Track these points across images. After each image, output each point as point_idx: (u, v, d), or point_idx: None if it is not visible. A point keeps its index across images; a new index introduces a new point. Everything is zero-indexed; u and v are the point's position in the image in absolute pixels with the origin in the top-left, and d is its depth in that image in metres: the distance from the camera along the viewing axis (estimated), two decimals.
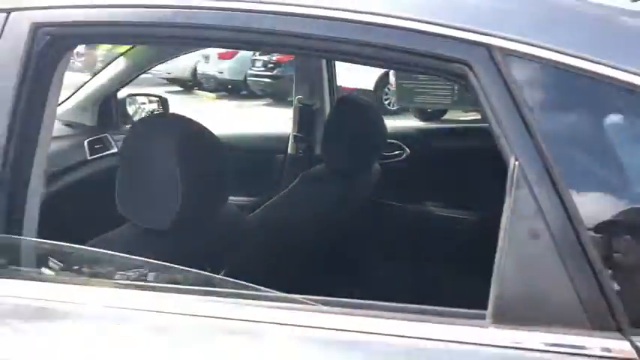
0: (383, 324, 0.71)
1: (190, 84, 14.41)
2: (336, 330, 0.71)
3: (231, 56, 12.55)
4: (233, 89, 13.52)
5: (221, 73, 13.11)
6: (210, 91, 13.80)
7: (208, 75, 13.47)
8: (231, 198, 1.28)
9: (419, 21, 0.74)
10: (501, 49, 0.70)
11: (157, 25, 0.91)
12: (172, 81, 14.21)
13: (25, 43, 0.93)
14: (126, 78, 2.33)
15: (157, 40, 1.22)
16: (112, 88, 2.32)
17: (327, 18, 0.77)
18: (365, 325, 0.71)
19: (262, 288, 0.77)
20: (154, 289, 0.83)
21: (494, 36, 0.70)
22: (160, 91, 12.09)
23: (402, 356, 0.70)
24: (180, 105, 11.02)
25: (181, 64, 13.08)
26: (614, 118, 0.70)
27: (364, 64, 0.92)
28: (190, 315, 0.77)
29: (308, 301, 0.75)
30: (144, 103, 2.44)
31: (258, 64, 12.17)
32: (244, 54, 11.54)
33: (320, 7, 0.79)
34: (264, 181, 2.24)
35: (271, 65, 11.70)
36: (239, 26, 0.84)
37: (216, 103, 12.90)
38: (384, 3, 0.78)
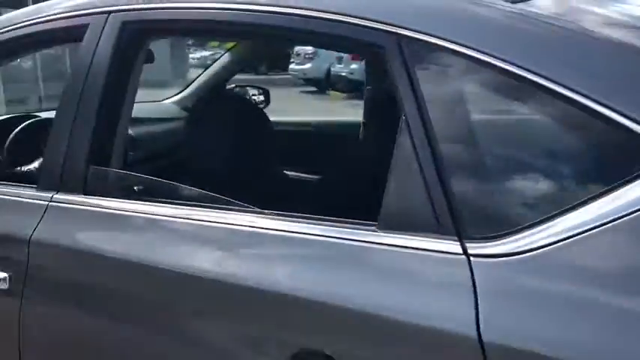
0: (306, 226, 0.98)
1: (325, 84, 15.20)
2: (274, 230, 1.02)
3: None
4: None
5: (352, 74, 13.59)
6: (342, 92, 14.40)
7: (340, 75, 14.16)
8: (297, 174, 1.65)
9: (355, 16, 1.00)
10: (405, 36, 0.95)
11: (210, 22, 1.22)
12: (308, 81, 15.28)
13: (116, 37, 1.25)
14: (233, 71, 2.69)
15: (210, 35, 1.67)
16: (221, 79, 2.66)
17: (294, 15, 1.07)
18: (289, 226, 1.01)
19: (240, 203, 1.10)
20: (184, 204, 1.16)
21: (402, 27, 0.96)
22: (296, 90, 13.10)
23: (318, 246, 0.97)
24: (312, 103, 11.67)
25: (316, 66, 14.22)
26: (472, 89, 0.94)
27: (318, 46, 1.31)
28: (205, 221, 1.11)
29: (266, 212, 1.05)
30: (254, 95, 2.78)
31: None
32: None
33: (288, 7, 1.08)
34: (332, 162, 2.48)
35: None
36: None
37: (343, 102, 13.40)
38: (337, 3, 1.05)
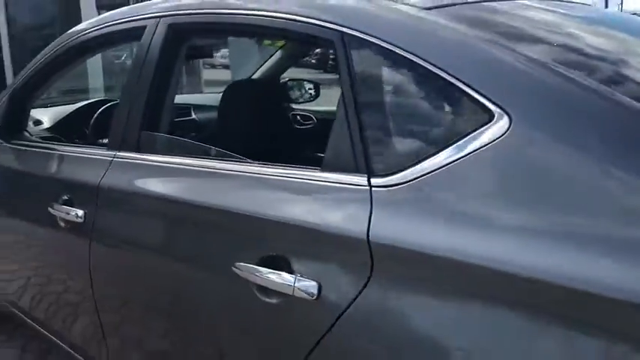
0: (270, 169, 1.36)
1: None
2: (261, 174, 1.39)
3: None
4: None
5: None
6: None
7: None
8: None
9: (313, 17, 1.36)
10: (348, 34, 1.28)
11: (226, 24, 1.67)
12: None
13: (163, 37, 1.65)
14: (283, 67, 3.09)
15: (228, 34, 2.49)
16: (275, 74, 3.05)
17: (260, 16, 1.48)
18: (274, 171, 1.36)
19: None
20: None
21: (345, 26, 1.29)
22: None
23: (276, 181, 1.34)
24: None
25: None
26: (382, 71, 1.27)
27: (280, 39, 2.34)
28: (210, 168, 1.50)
29: (255, 162, 1.42)
30: (310, 88, 3.18)
31: None
32: None
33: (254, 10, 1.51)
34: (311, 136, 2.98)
35: None
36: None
37: None
38: (296, 5, 1.44)
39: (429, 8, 1.35)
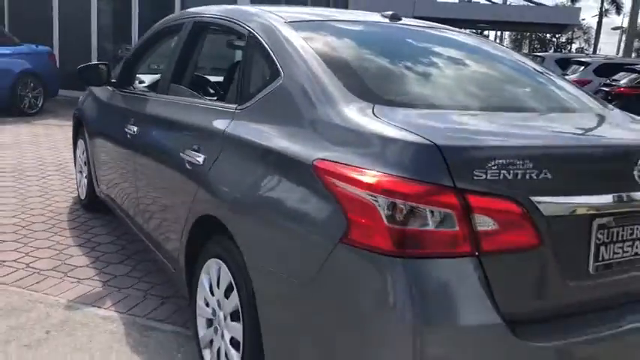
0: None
1: None
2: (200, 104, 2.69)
3: (582, 85, 13.43)
4: None
5: None
6: None
7: None
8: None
9: (237, 19, 2.61)
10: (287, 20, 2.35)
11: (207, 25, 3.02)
12: None
13: (189, 30, 2.85)
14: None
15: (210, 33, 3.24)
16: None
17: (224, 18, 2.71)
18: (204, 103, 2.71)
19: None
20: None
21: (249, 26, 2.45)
22: None
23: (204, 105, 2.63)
24: None
25: None
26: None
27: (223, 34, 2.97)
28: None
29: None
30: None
31: None
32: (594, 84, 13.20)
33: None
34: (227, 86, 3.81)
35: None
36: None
37: None
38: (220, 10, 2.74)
39: (291, 22, 2.38)
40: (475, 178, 1.51)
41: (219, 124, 2.30)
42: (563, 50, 49.89)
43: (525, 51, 50.29)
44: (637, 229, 1.79)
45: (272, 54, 2.18)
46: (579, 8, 32.47)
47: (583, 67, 15.50)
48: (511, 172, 1.53)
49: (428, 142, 1.54)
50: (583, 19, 53.50)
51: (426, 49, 2.56)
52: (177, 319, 2.86)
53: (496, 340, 1.52)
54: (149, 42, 3.58)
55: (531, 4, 29.88)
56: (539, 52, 43.59)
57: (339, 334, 1.61)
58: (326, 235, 1.62)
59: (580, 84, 13.48)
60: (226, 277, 2.12)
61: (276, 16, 2.41)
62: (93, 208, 4.35)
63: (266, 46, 2.24)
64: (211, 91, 3.50)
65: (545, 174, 1.57)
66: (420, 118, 1.78)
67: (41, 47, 9.56)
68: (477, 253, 1.52)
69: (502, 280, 1.55)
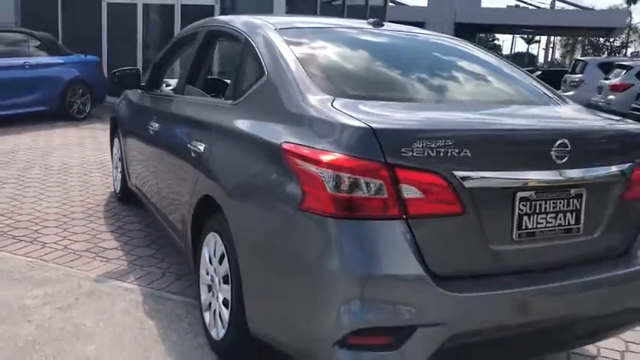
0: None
1: None
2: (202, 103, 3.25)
3: (623, 89, 13.68)
4: None
5: (608, 104, 13.91)
6: None
7: (597, 104, 14.27)
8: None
9: (236, 27, 3.05)
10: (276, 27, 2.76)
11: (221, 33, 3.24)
12: None
13: (204, 35, 3.43)
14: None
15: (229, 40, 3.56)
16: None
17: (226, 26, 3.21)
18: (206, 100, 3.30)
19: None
20: None
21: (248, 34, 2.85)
22: None
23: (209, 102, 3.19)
24: None
25: (580, 95, 14.97)
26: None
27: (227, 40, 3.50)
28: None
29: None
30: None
31: None
32: (636, 88, 12.94)
33: None
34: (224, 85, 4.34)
35: None
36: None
37: None
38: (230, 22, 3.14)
39: (283, 28, 2.80)
40: (403, 154, 1.84)
41: (217, 117, 2.69)
42: (617, 54, 48.62)
43: (577, 56, 49.22)
44: (559, 202, 2.07)
45: (260, 56, 2.56)
46: (627, 11, 31.76)
47: (625, 71, 15.32)
48: (434, 150, 1.85)
49: (365, 126, 1.88)
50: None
51: (393, 49, 2.89)
52: (189, 292, 3.25)
53: (417, 288, 1.84)
54: (173, 49, 4.03)
55: (574, 8, 29.46)
56: (592, 56, 42.71)
57: (298, 281, 1.96)
58: (288, 204, 1.98)
59: (621, 88, 13.43)
60: (220, 247, 2.50)
61: (268, 24, 2.78)
62: (126, 200, 4.82)
63: (256, 49, 2.62)
64: (216, 90, 3.90)
65: (466, 152, 1.88)
66: (368, 108, 2.11)
67: (90, 57, 10.25)
68: (404, 217, 1.84)
69: (428, 240, 1.87)
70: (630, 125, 2.45)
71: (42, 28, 10.89)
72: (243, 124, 2.45)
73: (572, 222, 2.13)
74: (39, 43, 9.59)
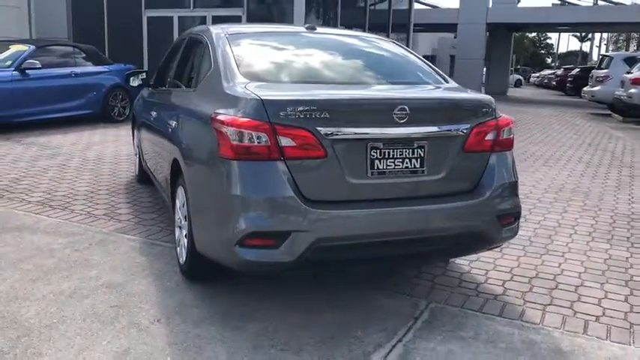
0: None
1: (610, 108, 16.89)
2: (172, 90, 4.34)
3: None
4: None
5: (630, 97, 14.66)
6: (621, 115, 15.57)
7: (620, 99, 15.32)
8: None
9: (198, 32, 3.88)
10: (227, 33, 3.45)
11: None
12: (597, 102, 17.64)
13: (186, 41, 4.49)
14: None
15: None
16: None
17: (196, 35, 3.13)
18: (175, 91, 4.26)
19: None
20: None
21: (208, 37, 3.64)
22: (582, 112, 17.06)
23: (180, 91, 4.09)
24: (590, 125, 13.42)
25: (605, 89, 16.55)
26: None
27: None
28: None
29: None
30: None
31: None
32: None
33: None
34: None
35: None
36: None
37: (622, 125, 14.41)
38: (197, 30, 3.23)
39: (231, 34, 3.67)
40: (281, 116, 2.71)
41: (182, 102, 3.64)
42: None
43: (631, 51, 48.14)
44: (404, 150, 2.90)
45: (211, 54, 3.48)
46: None
47: None
48: (302, 113, 2.72)
49: (257, 98, 2.77)
50: None
51: (310, 47, 3.77)
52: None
53: (291, 206, 2.71)
54: (170, 52, 4.99)
55: (613, 4, 29.18)
56: None
57: (216, 206, 2.88)
58: (212, 154, 2.89)
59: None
60: (183, 197, 3.43)
61: (223, 31, 3.70)
62: (142, 180, 5.85)
63: (210, 50, 3.54)
64: (188, 82, 4.78)
65: (326, 115, 2.74)
66: (267, 88, 2.99)
67: (128, 65, 11.46)
68: (282, 158, 2.72)
69: (301, 175, 2.74)
70: (470, 96, 3.27)
71: (91, 41, 12.26)
72: (195, 104, 3.38)
73: (418, 165, 2.95)
74: (84, 54, 10.86)
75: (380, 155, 2.87)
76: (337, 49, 3.83)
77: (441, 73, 3.71)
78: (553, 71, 42.79)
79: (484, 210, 3.08)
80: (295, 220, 2.73)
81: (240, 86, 3.02)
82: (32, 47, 9.83)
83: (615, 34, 61.08)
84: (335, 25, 14.25)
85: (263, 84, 3.07)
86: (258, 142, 2.72)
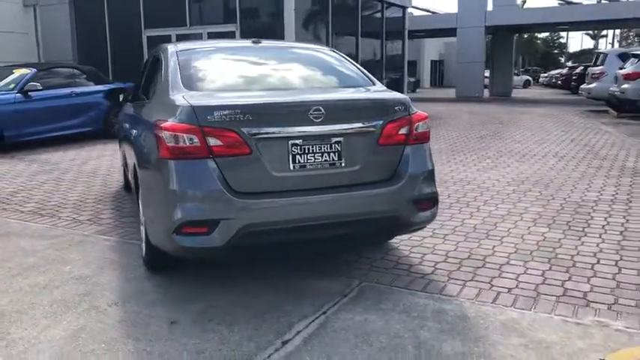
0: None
1: (607, 104, 17.21)
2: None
3: (636, 77, 14.69)
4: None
5: (623, 93, 15.03)
6: (615, 110, 15.97)
7: (614, 94, 15.64)
8: None
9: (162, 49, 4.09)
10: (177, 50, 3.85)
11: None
12: (593, 98, 18.07)
13: (152, 57, 4.84)
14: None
15: None
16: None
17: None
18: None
19: None
20: None
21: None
22: (581, 109, 17.82)
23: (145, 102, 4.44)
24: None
25: (601, 86, 16.95)
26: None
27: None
28: None
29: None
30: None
31: None
32: None
33: None
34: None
35: None
36: None
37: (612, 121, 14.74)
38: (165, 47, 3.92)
39: (181, 50, 4.14)
40: (209, 120, 3.13)
41: (141, 112, 4.08)
42: None
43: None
44: (323, 146, 3.30)
45: (163, 68, 3.92)
46: None
47: (638, 60, 15.80)
48: (228, 116, 3.13)
49: (189, 105, 3.20)
50: None
51: (251, 58, 4.19)
52: None
53: (220, 198, 3.12)
54: (142, 69, 5.44)
55: (615, 1, 29.23)
56: None
57: (158, 200, 3.32)
58: (155, 156, 3.32)
59: (634, 76, 14.02)
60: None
61: (175, 48, 4.14)
62: (128, 188, 6.31)
63: (163, 64, 3.98)
64: (147, 94, 5.05)
65: (249, 117, 3.16)
66: (201, 97, 3.41)
67: (128, 84, 12.01)
68: (211, 156, 3.14)
69: (229, 170, 3.15)
70: (384, 96, 3.67)
71: (95, 62, 12.88)
72: (147, 114, 3.82)
73: (336, 158, 3.35)
74: (85, 75, 11.46)
75: (300, 151, 3.28)
76: (274, 60, 4.25)
77: (370, 77, 4.11)
78: (559, 70, 42.84)
79: (400, 196, 3.46)
80: (224, 210, 3.14)
81: (180, 96, 3.44)
82: (34, 70, 10.43)
83: (625, 30, 60.77)
84: (327, 35, 14.71)
85: (200, 93, 3.51)
86: (190, 143, 3.15)
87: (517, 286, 3.61)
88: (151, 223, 3.52)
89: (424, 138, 3.65)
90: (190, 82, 3.66)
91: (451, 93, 29.72)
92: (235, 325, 3.13)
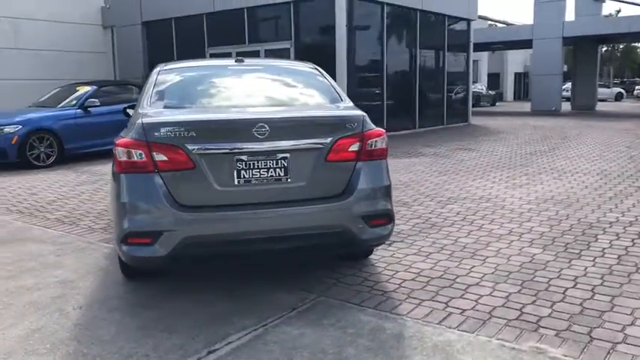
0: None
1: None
2: None
3: None
4: None
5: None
6: None
7: None
8: None
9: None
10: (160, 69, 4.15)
11: None
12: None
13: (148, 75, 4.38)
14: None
15: None
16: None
17: None
18: None
19: None
20: None
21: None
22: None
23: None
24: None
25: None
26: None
27: None
28: None
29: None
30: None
31: None
32: None
33: None
34: None
35: None
36: None
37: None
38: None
39: (163, 69, 4.36)
40: (156, 136, 3.31)
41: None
42: None
43: None
44: (269, 162, 3.38)
45: (146, 85, 4.15)
46: None
47: None
48: (173, 133, 3.29)
49: (141, 122, 3.39)
50: None
51: (225, 77, 4.36)
52: None
53: (163, 210, 3.28)
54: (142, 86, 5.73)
55: None
56: None
57: (115, 210, 3.52)
58: (114, 170, 3.53)
59: None
60: None
61: (162, 67, 4.37)
62: None
63: (147, 81, 4.22)
64: None
65: (193, 134, 3.30)
66: (159, 113, 3.59)
67: None
68: (157, 171, 3.31)
69: (174, 184, 3.30)
70: (336, 113, 3.70)
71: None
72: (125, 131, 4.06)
73: (282, 174, 3.42)
74: (138, 90, 12.17)
75: (245, 166, 3.38)
76: (245, 78, 4.39)
77: (341, 94, 4.14)
78: None
79: (346, 212, 3.47)
80: (166, 222, 3.30)
81: (144, 113, 3.65)
82: (94, 87, 11.21)
83: None
84: (382, 50, 14.72)
85: (160, 110, 3.70)
86: (138, 158, 3.33)
87: (473, 307, 3.50)
88: (113, 234, 3.74)
89: (380, 154, 3.65)
90: (157, 100, 3.86)
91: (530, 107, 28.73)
92: (176, 333, 3.26)
